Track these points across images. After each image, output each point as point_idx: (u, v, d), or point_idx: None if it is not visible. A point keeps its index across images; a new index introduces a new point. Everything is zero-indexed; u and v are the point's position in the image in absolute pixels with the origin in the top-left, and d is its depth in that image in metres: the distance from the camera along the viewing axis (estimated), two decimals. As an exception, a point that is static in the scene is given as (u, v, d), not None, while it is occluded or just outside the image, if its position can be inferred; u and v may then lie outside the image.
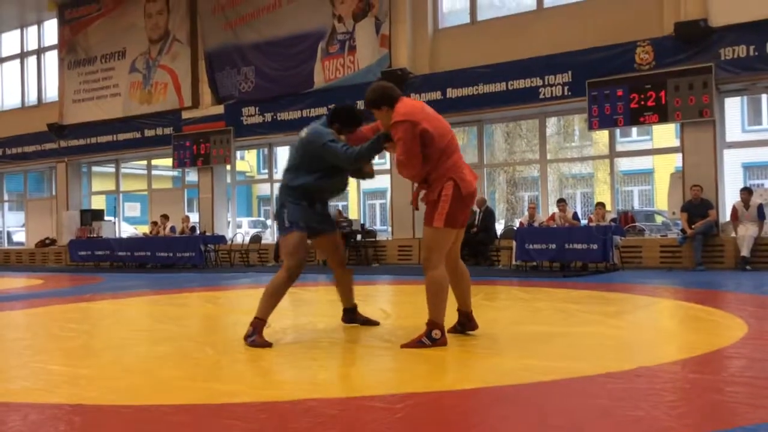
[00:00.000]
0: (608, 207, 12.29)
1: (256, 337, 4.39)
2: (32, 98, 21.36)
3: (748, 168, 20.22)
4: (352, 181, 20.76)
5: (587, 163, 23.08)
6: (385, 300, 8.04)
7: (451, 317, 4.44)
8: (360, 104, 14.22)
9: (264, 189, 27.50)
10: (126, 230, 20.64)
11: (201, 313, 7.04)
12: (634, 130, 19.91)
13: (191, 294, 8.91)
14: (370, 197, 25.73)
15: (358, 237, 14.54)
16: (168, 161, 18.00)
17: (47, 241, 20.02)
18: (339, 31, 14.97)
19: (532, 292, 7.76)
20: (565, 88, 12.47)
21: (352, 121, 4.68)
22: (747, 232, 10.65)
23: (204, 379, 3.54)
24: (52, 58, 20.65)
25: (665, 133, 18.15)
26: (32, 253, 20.15)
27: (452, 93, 13.47)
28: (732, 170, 14.19)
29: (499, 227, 14.51)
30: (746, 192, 11.10)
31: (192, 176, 18.55)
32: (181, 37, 17.42)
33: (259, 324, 4.45)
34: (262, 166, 30.65)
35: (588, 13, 12.47)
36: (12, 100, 21.94)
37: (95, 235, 17.60)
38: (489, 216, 12.97)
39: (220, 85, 16.77)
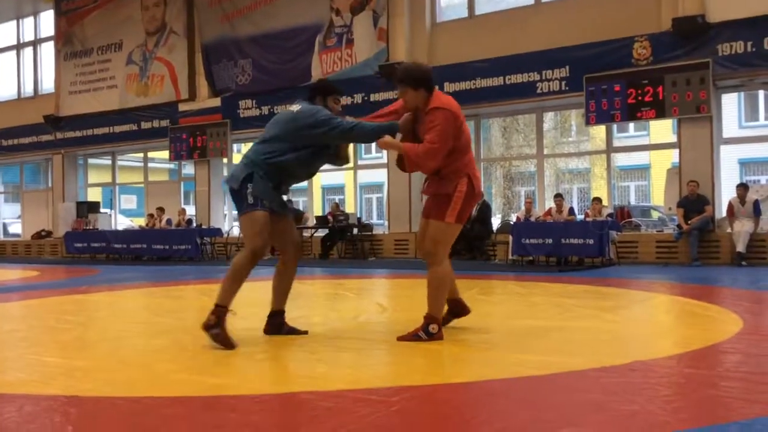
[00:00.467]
0: (605, 202, 12.31)
1: (219, 330, 4.01)
2: (28, 90, 21.30)
3: (745, 164, 20.22)
4: (348, 175, 20.65)
5: (584, 158, 23.10)
6: (382, 294, 8.05)
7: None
8: (358, 97, 14.35)
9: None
10: (122, 222, 20.59)
11: (197, 306, 7.02)
12: (631, 125, 19.88)
13: (187, 286, 8.91)
14: (367, 191, 25.69)
15: (355, 231, 14.54)
16: (164, 154, 17.96)
17: (43, 233, 19.99)
18: (337, 25, 14.93)
19: (528, 287, 7.77)
20: (563, 83, 12.46)
21: (333, 90, 4.47)
22: (743, 228, 10.67)
23: (200, 371, 3.54)
24: (48, 50, 20.57)
25: (662, 129, 18.14)
26: (28, 245, 20.12)
27: (449, 87, 13.45)
28: (728, 166, 14.22)
29: (496, 222, 14.52)
30: (742, 188, 11.13)
31: (188, 169, 18.52)
32: (178, 29, 17.36)
33: (221, 312, 4.05)
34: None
35: (586, 8, 12.46)
36: (8, 92, 21.84)
37: (91, 227, 17.57)
38: (486, 210, 12.97)
39: (216, 77, 16.73)
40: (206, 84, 16.88)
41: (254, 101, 16.02)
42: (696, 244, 10.88)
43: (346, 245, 14.58)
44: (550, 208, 12.20)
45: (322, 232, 14.81)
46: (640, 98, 11.62)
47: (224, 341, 3.99)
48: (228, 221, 17.31)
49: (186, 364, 3.74)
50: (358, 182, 16.94)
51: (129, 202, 24.20)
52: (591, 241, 10.71)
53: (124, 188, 21.67)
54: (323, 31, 15.09)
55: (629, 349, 4.06)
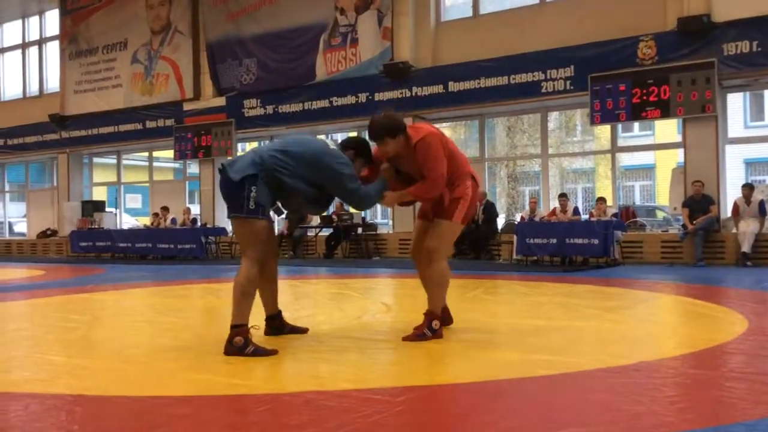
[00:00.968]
0: (609, 202, 12.28)
1: (253, 347, 3.85)
2: (34, 89, 21.34)
3: (750, 164, 20.15)
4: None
5: (589, 158, 23.04)
6: (386, 293, 8.05)
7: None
8: (362, 97, 14.34)
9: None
10: (127, 221, 20.64)
11: (202, 305, 7.04)
12: (636, 125, 19.82)
13: (192, 286, 8.91)
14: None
15: (359, 230, 14.54)
16: (169, 153, 17.99)
17: (48, 232, 20.04)
18: (341, 24, 14.94)
19: (533, 287, 7.77)
20: (568, 82, 12.44)
21: (366, 155, 4.37)
22: (748, 228, 10.64)
23: (204, 371, 3.54)
24: (53, 49, 20.62)
25: (667, 129, 18.08)
26: (33, 244, 20.17)
27: (454, 86, 13.45)
28: (734, 166, 14.17)
29: (500, 221, 14.49)
30: (748, 188, 11.10)
31: (193, 168, 18.55)
32: (183, 29, 17.38)
33: (243, 332, 3.86)
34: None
35: (590, 8, 12.44)
36: (13, 91, 21.92)
37: (96, 227, 17.61)
38: (490, 210, 12.96)
39: (221, 76, 16.75)
40: (211, 83, 16.90)
41: (259, 100, 16.03)
42: (701, 245, 10.85)
43: (351, 245, 14.58)
44: (555, 208, 12.18)
45: (326, 232, 14.81)
46: (645, 98, 11.60)
47: (264, 353, 3.87)
48: (232, 220, 17.30)
49: (191, 363, 3.75)
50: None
51: (134, 201, 24.21)
52: (596, 241, 10.69)
53: (129, 187, 21.69)
54: (328, 30, 15.10)
55: (634, 349, 4.05)
